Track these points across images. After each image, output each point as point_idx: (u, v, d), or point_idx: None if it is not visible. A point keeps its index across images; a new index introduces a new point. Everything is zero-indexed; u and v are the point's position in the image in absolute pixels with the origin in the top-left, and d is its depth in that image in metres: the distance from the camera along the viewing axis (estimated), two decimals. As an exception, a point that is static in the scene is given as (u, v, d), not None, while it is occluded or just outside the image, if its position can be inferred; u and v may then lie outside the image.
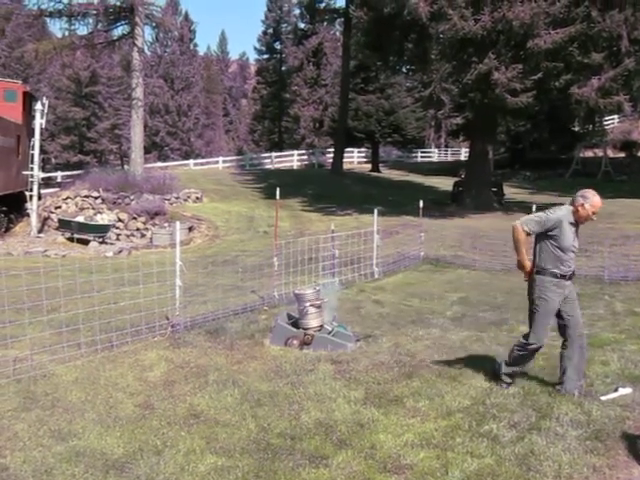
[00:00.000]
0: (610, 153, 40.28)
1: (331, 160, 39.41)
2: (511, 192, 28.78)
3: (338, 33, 50.11)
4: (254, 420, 4.91)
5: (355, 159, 48.35)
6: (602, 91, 21.66)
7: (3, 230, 17.92)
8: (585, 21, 20.33)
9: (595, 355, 6.35)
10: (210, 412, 5.08)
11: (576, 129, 40.19)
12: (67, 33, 25.32)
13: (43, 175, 20.92)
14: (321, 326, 6.94)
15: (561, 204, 5.56)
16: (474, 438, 4.56)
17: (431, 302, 9.44)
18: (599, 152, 40.63)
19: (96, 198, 20.31)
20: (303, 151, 50.37)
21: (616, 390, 5.38)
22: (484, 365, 6.06)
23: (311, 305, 6.89)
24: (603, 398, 5.23)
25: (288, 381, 5.72)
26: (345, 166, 38.24)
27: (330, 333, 6.91)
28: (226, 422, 4.89)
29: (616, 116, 45.33)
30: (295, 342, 6.76)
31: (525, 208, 20.74)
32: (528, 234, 5.35)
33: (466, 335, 7.27)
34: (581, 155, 40.21)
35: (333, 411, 5.06)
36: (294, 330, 6.92)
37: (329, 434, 4.65)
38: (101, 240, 17.71)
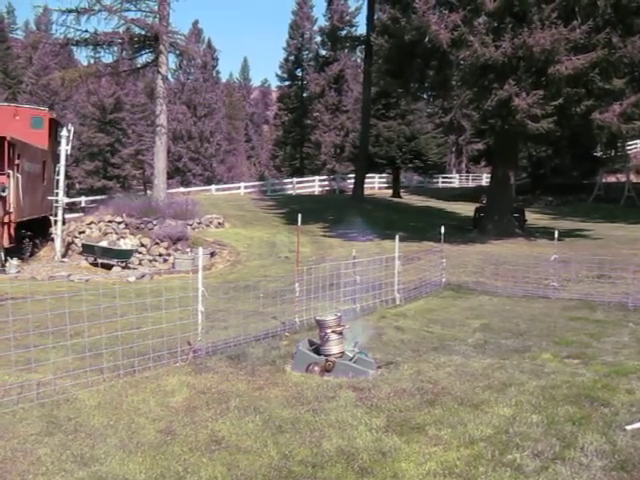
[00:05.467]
0: (633, 178, 40.04)
1: (352, 186, 39.51)
2: (533, 218, 28.64)
3: (359, 60, 50.46)
4: (275, 447, 4.90)
5: (376, 185, 48.44)
6: (624, 116, 21.57)
7: (28, 255, 18.12)
8: (606, 47, 20.30)
9: (620, 383, 6.27)
10: (231, 438, 5.07)
11: (598, 154, 40.01)
12: (93, 61, 25.91)
13: (67, 200, 21.19)
14: (342, 353, 6.93)
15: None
16: (497, 468, 4.51)
17: (453, 329, 9.39)
18: (622, 177, 40.41)
19: (119, 223, 20.50)
20: (324, 177, 50.64)
21: (641, 419, 5.30)
22: (507, 393, 6.01)
23: (332, 332, 6.89)
24: (628, 427, 5.15)
25: (309, 408, 5.70)
26: (366, 192, 38.29)
27: (351, 360, 6.89)
28: (247, 449, 4.88)
29: (639, 141, 45.09)
30: (316, 368, 6.75)
31: (547, 234, 20.65)
32: None
33: (488, 362, 7.21)
34: (604, 180, 40.01)
35: (355, 439, 5.03)
36: (315, 356, 6.91)
37: (351, 462, 4.62)
38: (124, 265, 17.83)
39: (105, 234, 19.98)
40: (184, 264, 17.67)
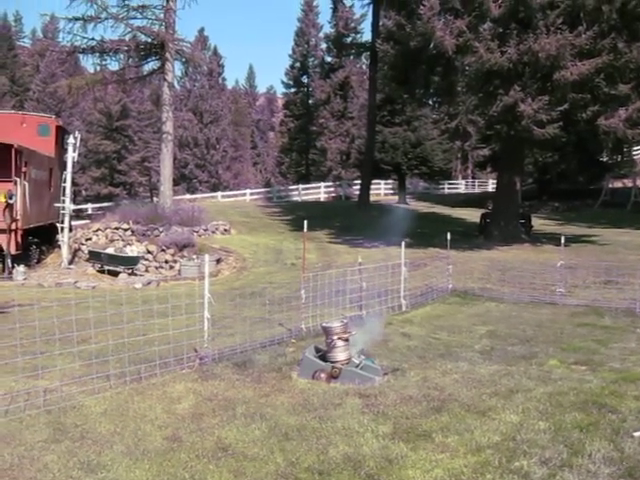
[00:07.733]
0: (640, 183, 39.89)
1: (358, 192, 39.53)
2: (539, 223, 28.56)
3: (364, 66, 50.68)
4: (282, 454, 4.89)
5: (382, 191, 48.43)
6: (630, 122, 21.53)
7: (35, 261, 18.19)
8: (611, 52, 20.28)
9: (628, 390, 6.23)
10: (238, 445, 5.06)
11: (604, 160, 39.88)
12: (99, 69, 26.02)
13: (74, 207, 21.27)
14: (349, 359, 6.91)
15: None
16: (504, 475, 4.48)
17: (459, 335, 9.36)
18: (628, 182, 40.25)
19: (126, 230, 20.56)
20: (330, 183, 50.67)
21: (650, 426, 5.27)
22: (514, 400, 5.99)
23: (339, 338, 6.88)
24: (636, 434, 5.12)
25: (316, 415, 5.69)
26: (372, 198, 38.31)
27: (358, 366, 6.87)
28: (254, 456, 4.88)
29: (645, 146, 44.90)
30: (323, 375, 6.73)
31: (554, 240, 20.58)
32: None
33: (495, 369, 7.18)
34: (610, 186, 39.87)
35: (361, 446, 5.02)
36: (322, 363, 6.90)
37: (357, 469, 4.61)
38: (130, 272, 17.87)
39: (112, 241, 20.04)
40: (190, 271, 17.68)
